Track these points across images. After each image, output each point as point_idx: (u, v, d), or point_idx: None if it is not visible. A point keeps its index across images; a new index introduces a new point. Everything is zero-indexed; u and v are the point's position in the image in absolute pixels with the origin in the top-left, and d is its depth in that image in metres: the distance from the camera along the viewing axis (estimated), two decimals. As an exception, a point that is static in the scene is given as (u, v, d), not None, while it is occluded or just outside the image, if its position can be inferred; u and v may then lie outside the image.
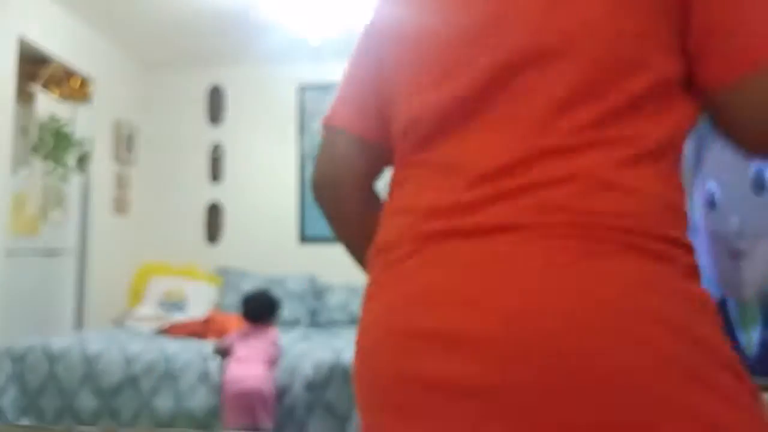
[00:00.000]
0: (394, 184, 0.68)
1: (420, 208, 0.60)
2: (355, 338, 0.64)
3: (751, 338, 1.46)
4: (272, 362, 2.72)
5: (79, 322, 3.69)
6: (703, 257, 1.76)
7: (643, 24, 0.53)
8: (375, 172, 0.78)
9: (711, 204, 1.68)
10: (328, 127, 0.77)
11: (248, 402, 2.57)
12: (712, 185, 1.66)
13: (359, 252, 0.78)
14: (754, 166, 1.42)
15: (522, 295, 0.49)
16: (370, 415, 0.60)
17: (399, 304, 0.57)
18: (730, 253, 1.57)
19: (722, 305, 1.60)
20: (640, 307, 0.48)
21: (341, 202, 0.78)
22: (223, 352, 2.77)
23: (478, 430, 0.49)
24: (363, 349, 0.62)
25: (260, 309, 2.86)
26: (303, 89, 4.39)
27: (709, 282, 1.69)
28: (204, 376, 2.73)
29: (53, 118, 3.46)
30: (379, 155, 0.75)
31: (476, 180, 0.55)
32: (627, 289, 0.48)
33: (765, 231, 1.41)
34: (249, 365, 2.63)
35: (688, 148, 1.78)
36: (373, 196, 0.78)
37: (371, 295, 0.63)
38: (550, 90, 0.54)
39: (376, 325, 0.60)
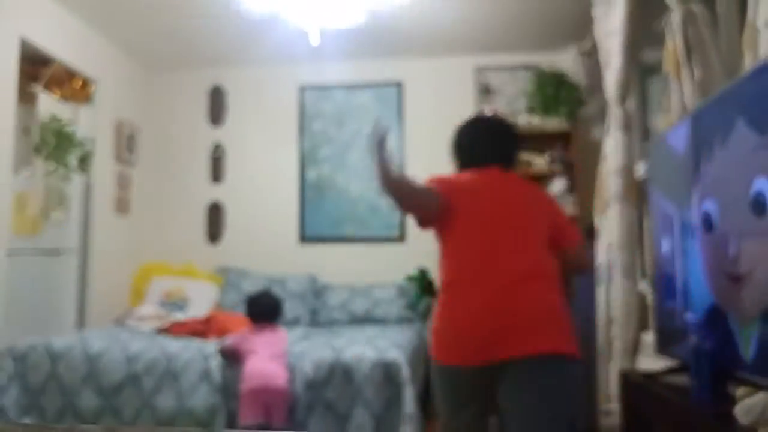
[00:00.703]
0: (454, 255, 1.84)
1: (479, 272, 1.76)
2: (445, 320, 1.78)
3: (748, 343, 1.44)
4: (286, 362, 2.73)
5: (80, 322, 3.68)
6: (696, 275, 1.71)
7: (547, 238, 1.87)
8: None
9: (708, 225, 1.60)
10: (430, 187, 1.83)
11: (268, 399, 2.56)
12: (709, 205, 1.58)
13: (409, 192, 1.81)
14: (755, 184, 1.34)
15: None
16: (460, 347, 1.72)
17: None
18: (729, 276, 1.50)
19: (719, 313, 1.57)
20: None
21: (427, 213, 1.86)
22: (229, 354, 2.76)
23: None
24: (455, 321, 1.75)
25: (266, 310, 2.84)
26: (303, 89, 4.38)
27: (703, 295, 1.64)
28: (205, 375, 2.72)
29: (55, 119, 3.45)
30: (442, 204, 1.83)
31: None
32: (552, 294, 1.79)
33: (764, 256, 1.33)
34: (273, 364, 2.61)
35: (685, 158, 1.74)
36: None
37: (450, 303, 1.80)
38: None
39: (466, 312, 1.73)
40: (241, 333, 2.83)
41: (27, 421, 2.76)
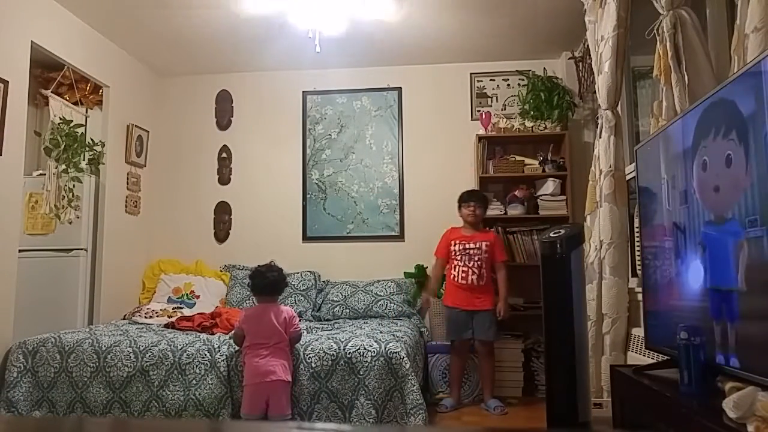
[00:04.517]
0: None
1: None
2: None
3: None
4: (293, 343, 2.66)
5: (91, 319, 3.64)
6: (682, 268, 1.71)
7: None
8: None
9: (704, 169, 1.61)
10: (437, 257, 3.53)
11: (267, 393, 2.53)
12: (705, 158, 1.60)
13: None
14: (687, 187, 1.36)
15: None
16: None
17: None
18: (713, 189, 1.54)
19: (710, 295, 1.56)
20: None
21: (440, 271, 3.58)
22: (238, 339, 2.69)
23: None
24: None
25: (266, 286, 2.71)
26: (306, 95, 4.35)
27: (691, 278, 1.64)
28: (211, 367, 2.69)
29: (66, 121, 3.41)
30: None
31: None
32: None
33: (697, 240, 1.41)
34: (271, 357, 2.55)
35: (677, 148, 1.72)
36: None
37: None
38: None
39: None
40: (244, 315, 2.74)
41: (37, 414, 2.73)
